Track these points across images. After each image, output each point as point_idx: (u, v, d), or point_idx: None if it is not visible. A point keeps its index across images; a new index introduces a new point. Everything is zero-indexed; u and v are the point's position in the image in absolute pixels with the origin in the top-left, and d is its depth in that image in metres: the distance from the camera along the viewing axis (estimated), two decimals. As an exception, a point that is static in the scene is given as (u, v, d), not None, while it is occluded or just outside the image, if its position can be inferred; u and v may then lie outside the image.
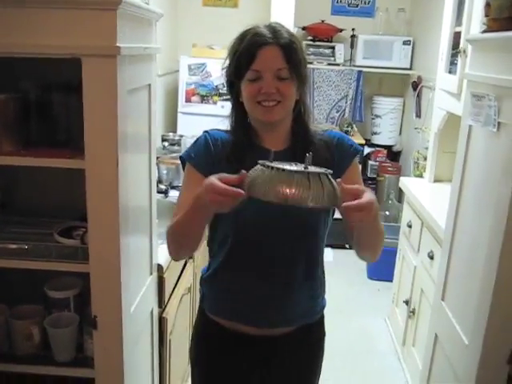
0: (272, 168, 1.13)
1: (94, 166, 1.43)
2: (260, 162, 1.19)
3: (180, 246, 1.47)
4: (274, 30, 1.37)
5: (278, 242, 1.43)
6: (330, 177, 1.14)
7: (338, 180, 1.18)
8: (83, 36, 1.34)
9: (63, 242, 1.57)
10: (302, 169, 1.14)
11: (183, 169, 1.51)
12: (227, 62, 1.44)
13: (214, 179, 1.18)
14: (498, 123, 1.54)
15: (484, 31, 1.66)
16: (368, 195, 1.18)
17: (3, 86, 1.52)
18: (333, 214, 1.50)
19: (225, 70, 1.46)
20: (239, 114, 1.47)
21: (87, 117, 1.40)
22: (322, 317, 1.62)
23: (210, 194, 1.17)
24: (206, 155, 1.45)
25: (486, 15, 1.63)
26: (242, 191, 1.15)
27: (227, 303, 1.52)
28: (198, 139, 1.49)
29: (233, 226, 1.43)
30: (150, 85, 1.74)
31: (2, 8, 1.33)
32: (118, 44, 1.35)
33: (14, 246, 1.57)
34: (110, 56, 1.36)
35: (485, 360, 1.57)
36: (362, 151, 1.53)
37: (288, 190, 1.09)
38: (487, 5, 1.61)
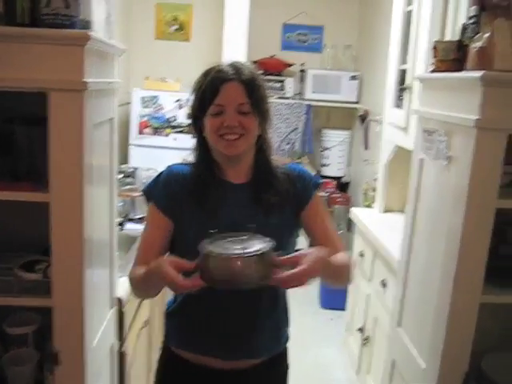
0: (214, 256, 1.22)
1: (58, 200, 1.43)
2: (205, 241, 1.27)
3: (141, 294, 1.64)
4: (237, 67, 1.44)
5: None
6: (266, 254, 1.23)
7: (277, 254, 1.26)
8: (51, 70, 1.35)
9: (24, 277, 1.54)
10: (242, 248, 1.23)
11: (147, 202, 1.53)
12: (191, 97, 1.49)
13: (166, 268, 1.24)
14: (448, 157, 1.64)
15: (433, 71, 1.77)
16: (305, 264, 1.23)
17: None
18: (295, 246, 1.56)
19: (189, 106, 1.50)
20: (202, 148, 1.51)
21: (53, 150, 1.40)
22: (286, 349, 1.64)
23: (163, 282, 1.27)
24: (167, 193, 1.48)
25: (434, 56, 1.74)
26: (194, 283, 1.23)
27: (192, 336, 1.52)
28: (159, 174, 1.53)
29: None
30: (112, 118, 1.76)
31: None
32: (85, 79, 1.37)
33: (-29, 282, 1.53)
34: (77, 90, 1.38)
35: (442, 383, 1.63)
36: (322, 183, 1.62)
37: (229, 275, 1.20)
38: (434, 47, 1.73)
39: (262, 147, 1.52)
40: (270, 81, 4.96)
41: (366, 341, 2.95)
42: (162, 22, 4.75)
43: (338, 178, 5.20)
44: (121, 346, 2.01)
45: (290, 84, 4.98)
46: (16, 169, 1.54)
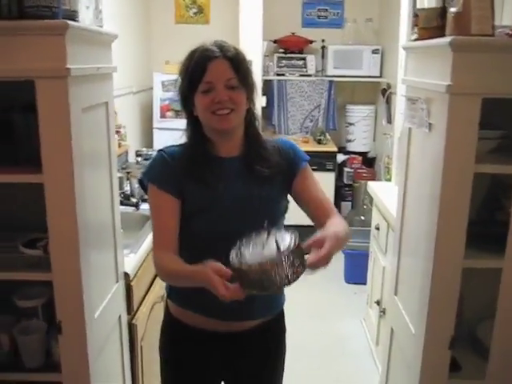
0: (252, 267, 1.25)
1: (51, 181, 1.52)
2: (232, 253, 1.32)
3: (173, 283, 1.61)
4: (221, 45, 1.51)
5: (239, 233, 1.49)
6: (298, 247, 1.27)
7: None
8: (36, 60, 1.44)
9: (27, 253, 1.66)
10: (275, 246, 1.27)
11: (144, 191, 1.59)
12: (179, 79, 1.56)
13: (212, 276, 1.29)
14: (430, 124, 1.65)
15: (415, 39, 1.78)
16: (328, 242, 1.29)
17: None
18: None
19: (178, 87, 1.57)
20: (194, 127, 1.58)
21: (43, 134, 1.49)
22: (282, 313, 1.71)
23: (208, 286, 1.31)
24: (168, 173, 1.53)
25: (416, 25, 1.74)
26: (236, 294, 1.29)
27: (191, 296, 1.57)
28: (154, 159, 1.59)
29: (202, 222, 1.53)
30: (107, 102, 1.84)
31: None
32: (68, 66, 1.45)
33: (-21, 259, 1.65)
34: (60, 77, 1.46)
35: (428, 346, 1.67)
36: (308, 160, 1.69)
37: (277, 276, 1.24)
38: (416, 15, 1.73)
39: (251, 121, 1.59)
40: (291, 59, 4.97)
41: (382, 313, 2.98)
42: (182, 6, 4.81)
43: (363, 154, 5.19)
44: (131, 318, 2.12)
45: (311, 61, 4.97)
46: (16, 155, 1.65)
